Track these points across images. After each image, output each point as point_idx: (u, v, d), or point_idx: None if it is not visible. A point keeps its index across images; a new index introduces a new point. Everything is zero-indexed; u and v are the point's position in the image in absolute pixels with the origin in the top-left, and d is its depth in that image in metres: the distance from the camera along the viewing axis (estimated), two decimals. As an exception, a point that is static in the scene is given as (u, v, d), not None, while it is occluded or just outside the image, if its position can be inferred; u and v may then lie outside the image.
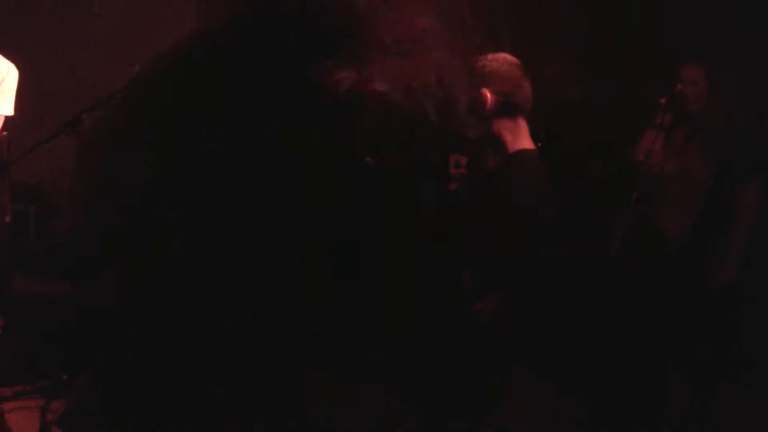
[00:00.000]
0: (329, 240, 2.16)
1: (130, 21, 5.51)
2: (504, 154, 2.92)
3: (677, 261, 4.42)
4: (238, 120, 1.66)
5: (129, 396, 2.34)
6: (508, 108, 2.90)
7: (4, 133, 4.19)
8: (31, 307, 4.70)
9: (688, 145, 4.47)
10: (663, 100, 4.44)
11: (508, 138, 2.92)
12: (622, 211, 4.47)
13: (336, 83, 1.79)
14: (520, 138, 2.95)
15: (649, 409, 4.60)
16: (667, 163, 4.45)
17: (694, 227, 4.38)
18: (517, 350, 3.01)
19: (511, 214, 2.76)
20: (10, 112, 3.70)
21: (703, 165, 4.38)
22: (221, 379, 2.19)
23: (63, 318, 4.70)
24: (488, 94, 2.85)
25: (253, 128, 1.65)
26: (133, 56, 4.84)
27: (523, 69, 2.94)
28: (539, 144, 6.30)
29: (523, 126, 2.96)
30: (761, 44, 5.41)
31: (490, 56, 2.88)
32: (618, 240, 4.47)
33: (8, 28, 4.40)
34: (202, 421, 2.24)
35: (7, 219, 4.29)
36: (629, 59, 6.12)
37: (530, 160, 2.94)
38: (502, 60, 2.91)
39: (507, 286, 2.82)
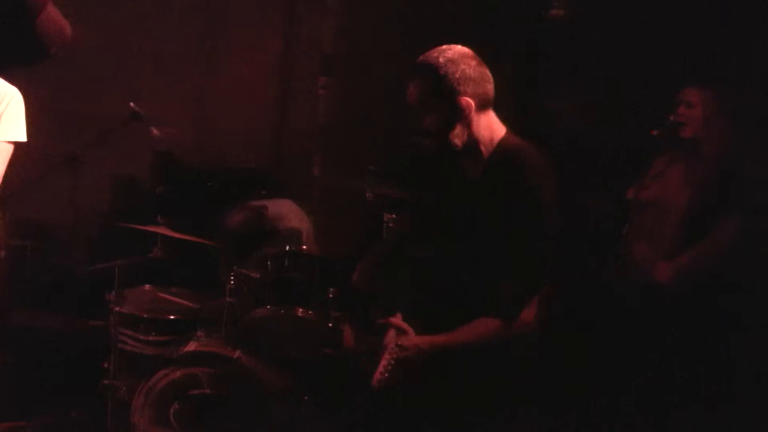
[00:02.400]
0: None
1: (127, 56, 5.55)
2: (488, 148, 2.91)
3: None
4: None
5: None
6: (483, 105, 2.88)
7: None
8: (29, 341, 4.71)
9: (668, 172, 4.47)
10: (655, 132, 4.44)
11: (486, 134, 2.91)
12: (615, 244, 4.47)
13: None
14: (497, 127, 2.94)
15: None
16: (646, 190, 4.45)
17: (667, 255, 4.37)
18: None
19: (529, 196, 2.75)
20: (23, 137, 3.65)
21: (678, 193, 4.37)
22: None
23: (61, 352, 4.73)
24: (469, 102, 2.83)
25: None
26: (130, 91, 4.97)
27: (477, 57, 2.90)
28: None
29: (493, 114, 2.94)
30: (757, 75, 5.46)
31: (450, 54, 2.84)
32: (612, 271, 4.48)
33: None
34: None
35: (3, 254, 4.31)
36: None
37: (524, 142, 2.92)
38: (464, 58, 2.86)
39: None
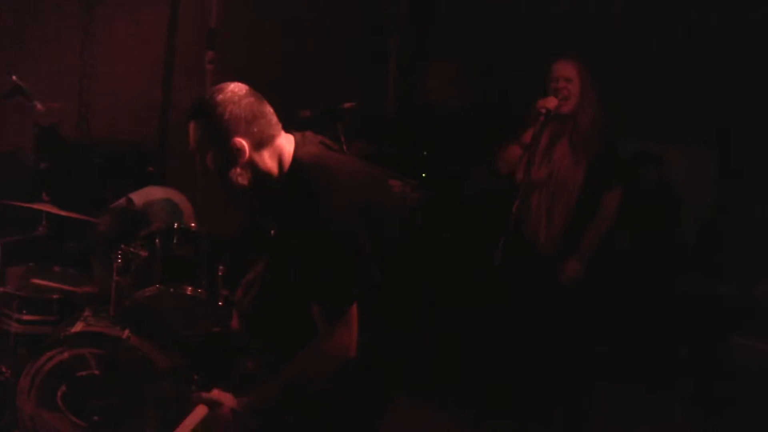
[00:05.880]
0: None
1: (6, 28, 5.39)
2: (280, 176, 2.80)
3: (547, 266, 4.59)
4: None
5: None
6: (261, 143, 2.75)
7: None
8: None
9: (555, 149, 4.58)
10: (544, 110, 4.50)
11: (273, 164, 2.79)
12: (505, 220, 4.54)
13: None
14: (286, 153, 2.80)
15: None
16: (537, 169, 4.55)
17: (564, 231, 4.54)
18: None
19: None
20: None
21: (571, 169, 4.51)
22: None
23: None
24: (242, 143, 2.71)
25: None
26: (10, 66, 4.83)
27: (254, 92, 2.78)
28: (425, 153, 6.47)
29: (279, 143, 2.80)
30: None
31: (219, 97, 2.70)
32: (501, 249, 4.55)
33: None
34: None
35: None
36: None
37: (309, 163, 2.78)
38: (236, 98, 2.72)
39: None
